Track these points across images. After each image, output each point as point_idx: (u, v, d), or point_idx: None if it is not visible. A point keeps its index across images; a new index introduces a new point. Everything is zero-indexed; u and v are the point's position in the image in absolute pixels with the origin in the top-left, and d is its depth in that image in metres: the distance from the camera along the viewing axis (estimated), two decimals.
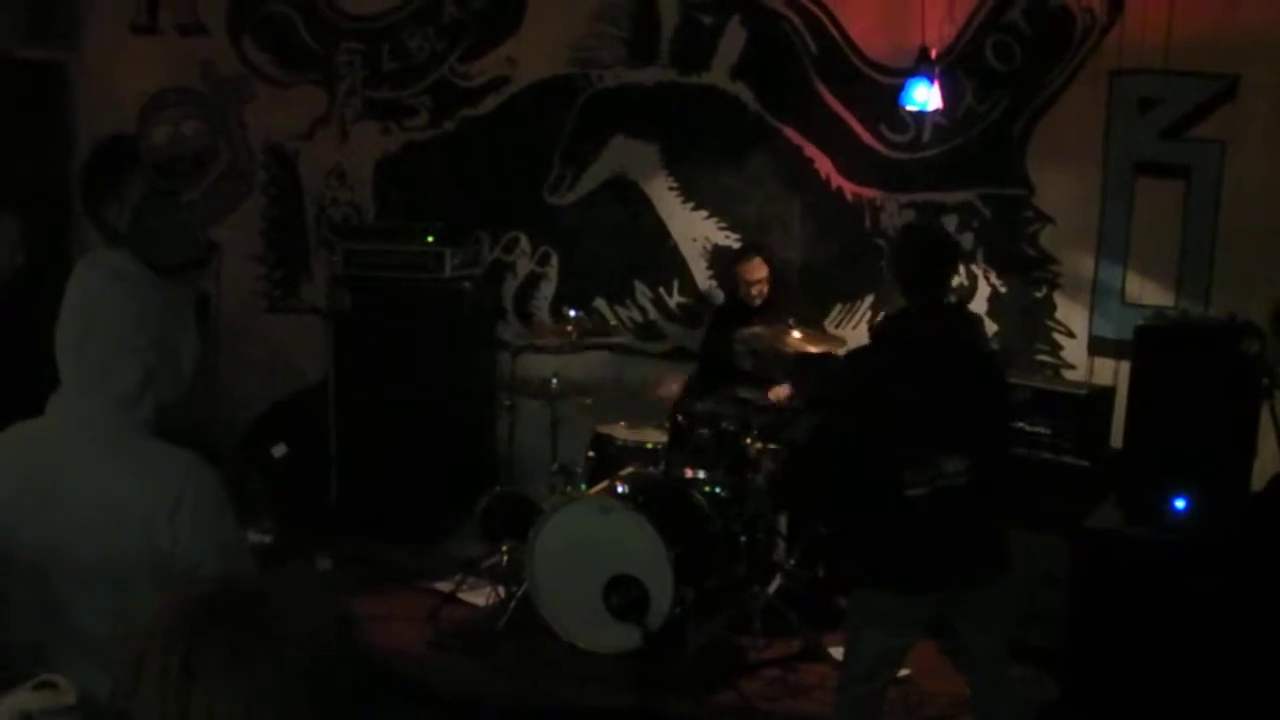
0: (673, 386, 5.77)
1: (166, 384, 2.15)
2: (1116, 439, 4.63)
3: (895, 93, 5.63)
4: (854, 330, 5.99)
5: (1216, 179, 5.36)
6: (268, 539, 5.69)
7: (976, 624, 3.63)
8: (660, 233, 6.36)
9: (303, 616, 1.18)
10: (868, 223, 6.00)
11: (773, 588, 5.13)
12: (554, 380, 5.72)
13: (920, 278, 3.61)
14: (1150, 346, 4.21)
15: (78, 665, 1.96)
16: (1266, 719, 3.88)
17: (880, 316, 3.57)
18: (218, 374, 6.75)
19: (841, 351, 5.68)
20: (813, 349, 5.41)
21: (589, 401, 5.91)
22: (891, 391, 3.53)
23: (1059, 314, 5.65)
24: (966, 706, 4.38)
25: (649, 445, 5.40)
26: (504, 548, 5.36)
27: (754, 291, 5.76)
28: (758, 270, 5.76)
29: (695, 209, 6.30)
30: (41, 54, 6.97)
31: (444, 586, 5.50)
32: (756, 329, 5.45)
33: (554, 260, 6.58)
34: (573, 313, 6.19)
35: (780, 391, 5.54)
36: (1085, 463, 4.82)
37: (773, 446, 5.28)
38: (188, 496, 2.03)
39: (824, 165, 6.05)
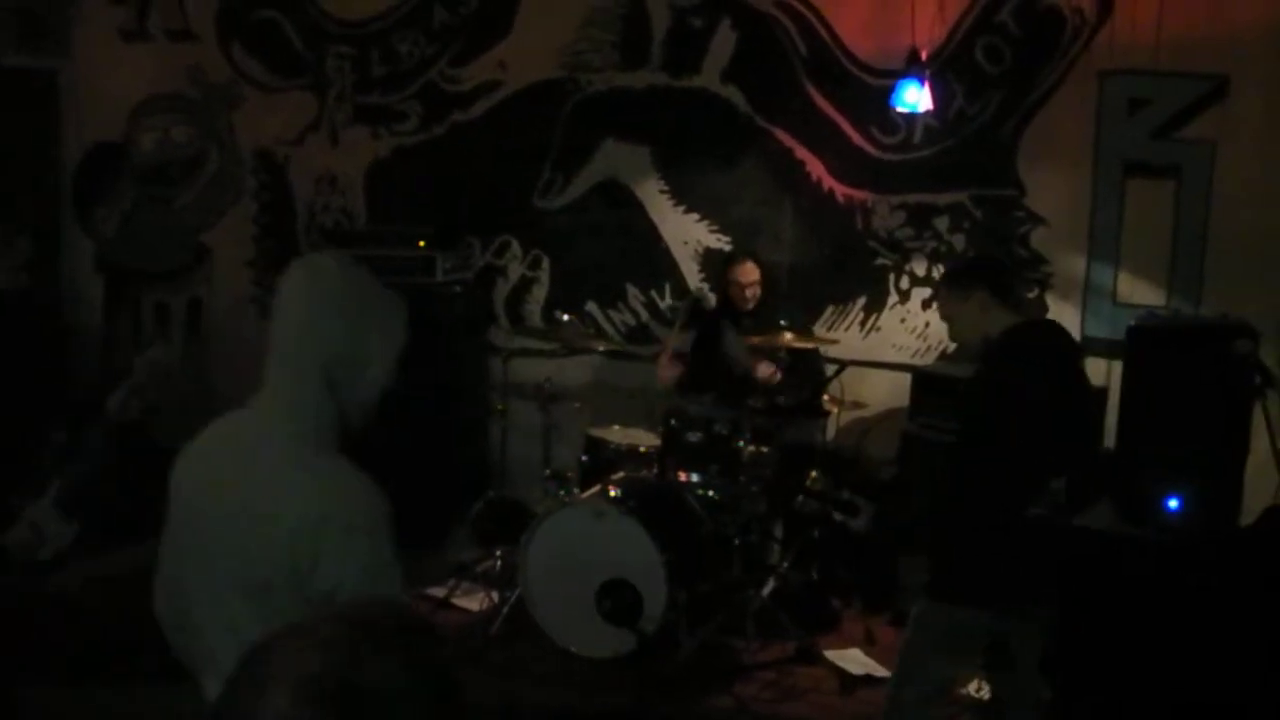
0: (769, 368, 5.64)
1: (351, 394, 2.03)
2: (1109, 439, 4.62)
3: (886, 94, 5.64)
4: (845, 333, 6.00)
5: (1207, 179, 5.38)
6: None
7: (1028, 636, 3.61)
8: (652, 236, 6.36)
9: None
10: (859, 225, 6.01)
11: (766, 591, 5.12)
12: (546, 384, 5.71)
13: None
14: (1142, 346, 4.19)
15: (209, 687, 1.90)
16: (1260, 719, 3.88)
17: (1007, 330, 3.49)
18: (209, 379, 6.73)
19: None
20: (804, 346, 5.45)
21: (578, 405, 5.89)
22: (1035, 406, 3.46)
23: (1051, 315, 5.63)
24: (962, 706, 4.40)
25: (642, 449, 5.39)
26: (497, 552, 5.35)
27: (747, 294, 5.74)
28: (750, 273, 5.75)
29: (686, 212, 6.30)
30: (32, 61, 6.95)
31: (438, 592, 5.47)
32: (751, 341, 5.45)
33: (545, 264, 6.57)
34: (565, 317, 6.19)
35: (765, 369, 5.58)
36: None
37: (764, 450, 5.27)
38: (335, 517, 1.89)
39: (815, 167, 6.05)
